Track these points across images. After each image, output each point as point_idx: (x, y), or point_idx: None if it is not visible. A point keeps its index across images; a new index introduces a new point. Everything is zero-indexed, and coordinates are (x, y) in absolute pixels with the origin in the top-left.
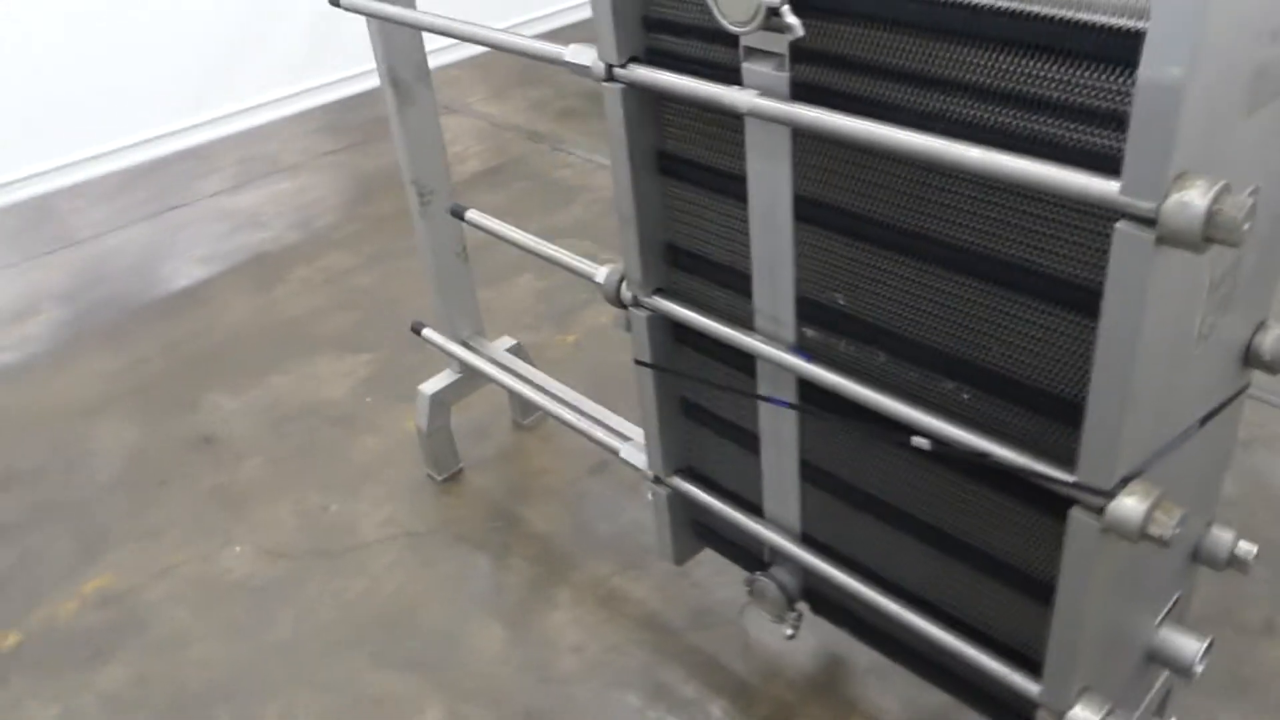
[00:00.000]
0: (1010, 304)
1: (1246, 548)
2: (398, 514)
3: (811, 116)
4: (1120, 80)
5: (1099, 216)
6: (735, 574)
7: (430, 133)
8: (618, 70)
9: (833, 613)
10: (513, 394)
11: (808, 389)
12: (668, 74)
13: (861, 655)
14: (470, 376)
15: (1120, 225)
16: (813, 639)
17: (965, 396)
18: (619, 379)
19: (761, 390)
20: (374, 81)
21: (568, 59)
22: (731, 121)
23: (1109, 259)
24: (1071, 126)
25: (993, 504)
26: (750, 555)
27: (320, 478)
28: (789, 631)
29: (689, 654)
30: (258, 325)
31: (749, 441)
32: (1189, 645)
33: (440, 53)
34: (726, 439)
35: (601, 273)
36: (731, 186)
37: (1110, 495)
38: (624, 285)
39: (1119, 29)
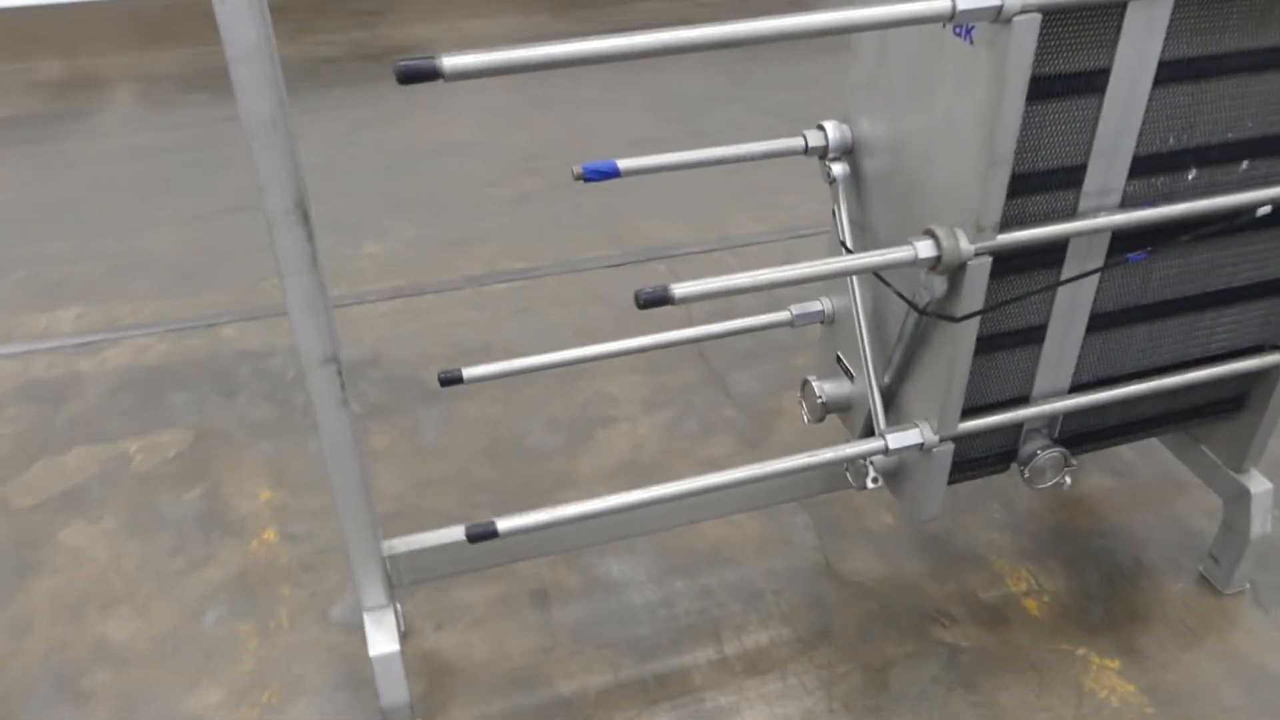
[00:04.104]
0: None
1: None
2: None
3: None
4: None
5: None
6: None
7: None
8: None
9: (1085, 443)
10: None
11: (1116, 244)
12: None
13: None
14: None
15: None
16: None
17: (1257, 171)
18: None
19: (1069, 273)
20: None
21: (969, 6)
22: (1103, 18)
23: None
24: None
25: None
26: (998, 456)
27: None
28: (1069, 480)
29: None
30: None
31: (1031, 337)
32: None
33: None
34: (1002, 352)
35: (924, 246)
36: (1085, 84)
37: None
38: (962, 242)
39: None
